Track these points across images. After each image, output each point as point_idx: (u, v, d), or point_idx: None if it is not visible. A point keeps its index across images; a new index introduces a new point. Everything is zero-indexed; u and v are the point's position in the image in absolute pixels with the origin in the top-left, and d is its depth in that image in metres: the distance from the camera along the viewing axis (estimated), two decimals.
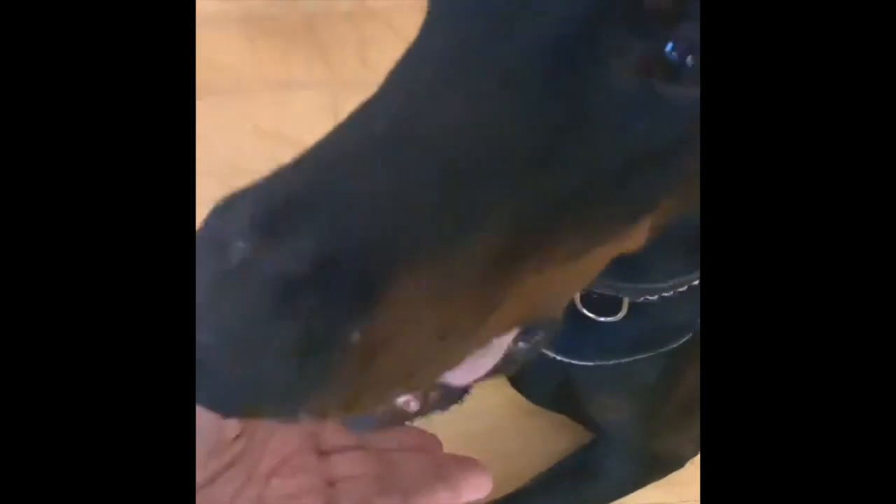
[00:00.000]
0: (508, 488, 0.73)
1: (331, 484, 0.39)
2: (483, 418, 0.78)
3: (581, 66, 0.25)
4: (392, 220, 0.23)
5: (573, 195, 0.26)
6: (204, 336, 0.22)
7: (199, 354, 0.22)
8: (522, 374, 0.62)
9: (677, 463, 0.70)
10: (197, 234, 0.24)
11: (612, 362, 0.44)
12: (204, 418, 0.29)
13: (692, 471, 0.73)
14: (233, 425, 0.36)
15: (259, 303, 0.21)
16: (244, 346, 0.22)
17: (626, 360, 0.44)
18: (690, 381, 0.55)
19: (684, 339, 0.47)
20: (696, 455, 0.70)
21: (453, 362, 0.27)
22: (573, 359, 0.45)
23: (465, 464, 0.39)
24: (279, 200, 0.23)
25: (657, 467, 0.71)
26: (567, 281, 0.30)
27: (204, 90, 0.76)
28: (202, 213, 0.26)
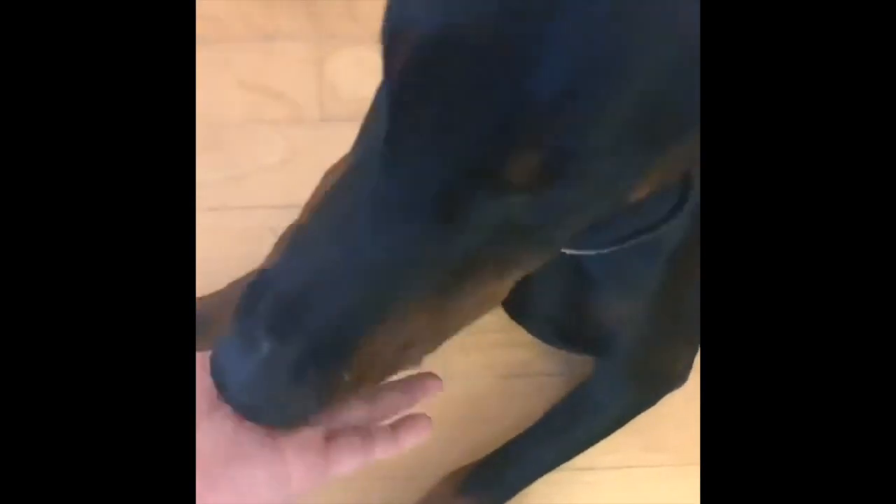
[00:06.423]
0: (489, 451, 0.74)
1: None
2: (460, 382, 0.78)
3: None
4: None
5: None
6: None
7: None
8: (524, 305, 0.64)
9: (669, 382, 0.71)
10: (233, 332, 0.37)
11: (607, 250, 0.49)
12: (265, 484, 0.39)
13: (692, 471, 0.74)
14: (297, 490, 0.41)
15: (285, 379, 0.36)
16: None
17: (623, 246, 0.48)
18: (685, 291, 0.57)
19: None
20: (686, 375, 0.71)
21: (416, 363, 0.39)
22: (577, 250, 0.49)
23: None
24: (286, 307, 0.35)
25: (653, 387, 0.72)
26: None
27: None
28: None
